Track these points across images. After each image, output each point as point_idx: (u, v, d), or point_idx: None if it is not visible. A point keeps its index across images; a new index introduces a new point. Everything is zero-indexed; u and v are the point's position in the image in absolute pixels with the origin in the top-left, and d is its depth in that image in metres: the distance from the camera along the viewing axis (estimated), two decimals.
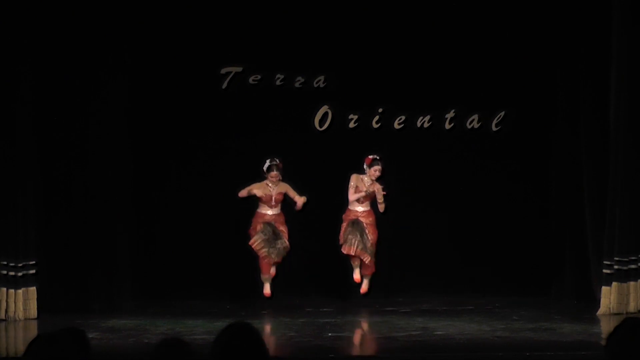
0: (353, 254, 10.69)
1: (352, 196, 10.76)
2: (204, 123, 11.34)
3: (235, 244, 11.06)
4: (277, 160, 10.72)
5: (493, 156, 11.55)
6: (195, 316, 10.12)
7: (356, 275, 10.82)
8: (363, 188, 10.74)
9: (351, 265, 10.85)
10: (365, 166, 10.76)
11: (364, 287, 10.83)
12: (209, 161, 11.33)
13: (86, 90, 10.64)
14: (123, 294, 10.99)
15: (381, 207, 10.75)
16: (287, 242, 10.68)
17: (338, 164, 11.23)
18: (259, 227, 10.69)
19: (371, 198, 10.78)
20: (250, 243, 10.67)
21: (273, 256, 10.65)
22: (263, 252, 10.63)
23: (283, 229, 10.73)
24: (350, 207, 10.82)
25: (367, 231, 10.70)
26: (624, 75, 10.05)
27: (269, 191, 10.72)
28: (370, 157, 10.75)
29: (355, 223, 10.73)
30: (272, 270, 10.78)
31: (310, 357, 8.12)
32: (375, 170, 10.71)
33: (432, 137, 11.48)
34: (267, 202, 10.72)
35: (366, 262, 10.71)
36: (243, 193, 10.68)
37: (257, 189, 10.68)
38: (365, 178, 10.79)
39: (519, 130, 11.49)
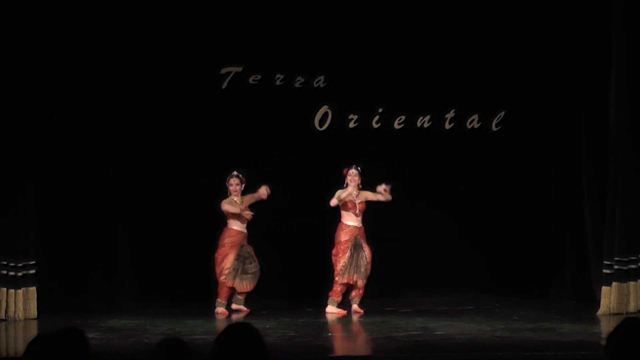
0: (352, 282, 10.61)
1: (334, 201, 10.62)
2: (204, 123, 11.34)
3: None
4: (239, 174, 10.60)
5: (493, 156, 11.55)
6: (195, 316, 10.12)
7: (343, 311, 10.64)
8: (355, 200, 10.66)
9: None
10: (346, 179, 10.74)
11: (359, 310, 10.63)
12: (209, 161, 11.32)
13: (86, 90, 10.65)
14: (123, 294, 11.00)
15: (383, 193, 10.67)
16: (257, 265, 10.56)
17: (338, 164, 11.22)
18: (234, 257, 10.50)
19: (363, 211, 10.71)
20: (220, 277, 10.56)
21: (250, 285, 10.53)
22: (229, 282, 10.54)
23: (250, 246, 10.59)
24: (345, 221, 10.71)
25: (365, 252, 10.60)
26: (624, 75, 10.04)
27: (236, 206, 10.54)
28: (346, 168, 10.75)
29: (357, 247, 10.59)
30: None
31: (310, 357, 8.11)
32: (350, 175, 10.66)
33: (432, 137, 11.48)
34: (236, 217, 10.58)
35: (361, 285, 10.62)
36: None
37: (232, 207, 10.52)
38: (351, 190, 10.67)
39: (519, 130, 11.49)
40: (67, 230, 10.63)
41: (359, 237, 10.66)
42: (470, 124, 11.46)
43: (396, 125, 11.44)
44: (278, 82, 11.35)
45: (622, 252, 10.01)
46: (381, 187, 10.62)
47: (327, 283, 11.14)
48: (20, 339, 9.31)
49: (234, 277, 10.47)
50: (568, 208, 11.13)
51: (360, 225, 10.74)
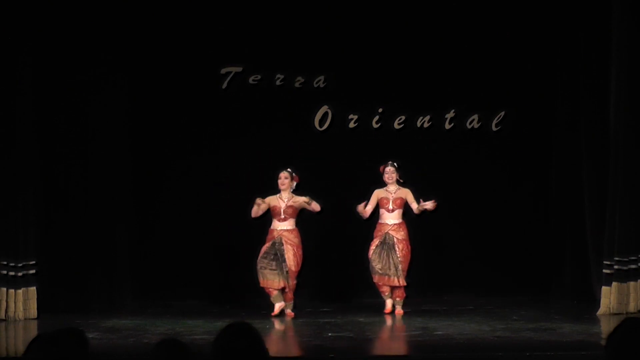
0: (378, 282, 10.41)
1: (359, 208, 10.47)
2: (204, 123, 11.34)
3: (236, 244, 11.07)
4: (290, 169, 10.36)
5: (493, 156, 11.55)
6: (195, 316, 10.12)
7: (387, 307, 10.39)
8: (389, 197, 10.45)
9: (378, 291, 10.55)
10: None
11: (398, 311, 10.40)
12: (208, 161, 11.32)
13: (86, 90, 10.66)
14: (123, 294, 11.02)
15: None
16: (290, 265, 10.15)
17: (338, 164, 11.24)
18: (261, 253, 10.22)
19: (400, 206, 10.44)
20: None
21: (275, 282, 10.20)
22: (265, 282, 10.26)
23: (290, 246, 10.20)
24: (380, 220, 10.47)
25: (397, 248, 10.34)
26: (624, 75, 10.04)
27: (277, 202, 10.29)
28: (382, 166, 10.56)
29: (383, 243, 10.35)
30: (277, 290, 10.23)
31: (310, 357, 8.11)
32: (387, 173, 10.49)
33: (432, 137, 11.48)
34: (276, 215, 10.29)
35: (396, 284, 10.38)
36: (254, 211, 10.26)
37: (266, 200, 10.26)
38: (391, 187, 10.51)
39: (519, 130, 11.49)
40: (67, 230, 10.63)
41: (390, 232, 10.42)
42: (470, 124, 11.46)
43: (396, 125, 11.44)
44: (278, 82, 11.36)
45: (622, 252, 10.00)
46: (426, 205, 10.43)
47: (327, 281, 11.16)
48: (20, 339, 9.31)
49: (261, 276, 10.22)
50: (568, 208, 11.12)
51: (399, 220, 10.44)
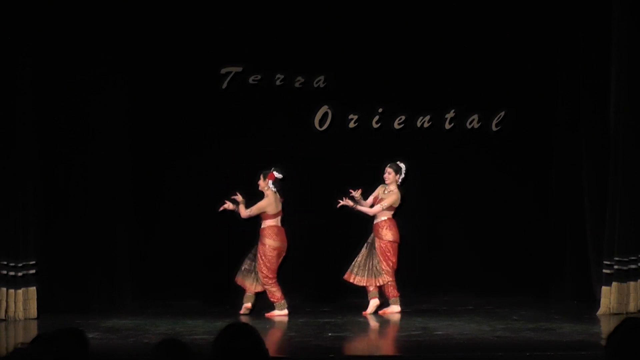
0: (353, 282, 10.42)
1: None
2: (204, 123, 11.34)
3: (235, 244, 11.05)
4: (267, 171, 10.31)
5: (493, 156, 11.55)
6: (195, 316, 10.12)
7: (368, 309, 10.36)
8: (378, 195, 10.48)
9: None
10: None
11: (385, 311, 10.37)
12: (208, 161, 11.32)
13: (86, 90, 10.66)
14: (123, 294, 11.02)
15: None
16: (260, 267, 10.19)
17: (338, 164, 11.24)
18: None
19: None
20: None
21: (247, 283, 10.31)
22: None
23: (259, 246, 10.23)
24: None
25: (375, 246, 10.34)
26: (624, 75, 10.04)
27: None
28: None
29: (368, 242, 10.41)
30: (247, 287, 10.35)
31: (310, 357, 8.11)
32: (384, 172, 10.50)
33: (432, 137, 11.48)
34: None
35: (350, 280, 10.41)
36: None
37: None
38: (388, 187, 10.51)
39: (519, 130, 11.49)
40: (67, 230, 10.63)
41: (374, 232, 10.47)
42: (470, 124, 11.46)
43: (396, 125, 11.44)
44: (278, 82, 11.36)
45: (622, 252, 10.00)
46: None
47: (327, 281, 11.15)
48: (20, 339, 9.30)
49: (240, 275, 10.38)
50: (568, 208, 11.13)
51: (375, 221, 10.46)
